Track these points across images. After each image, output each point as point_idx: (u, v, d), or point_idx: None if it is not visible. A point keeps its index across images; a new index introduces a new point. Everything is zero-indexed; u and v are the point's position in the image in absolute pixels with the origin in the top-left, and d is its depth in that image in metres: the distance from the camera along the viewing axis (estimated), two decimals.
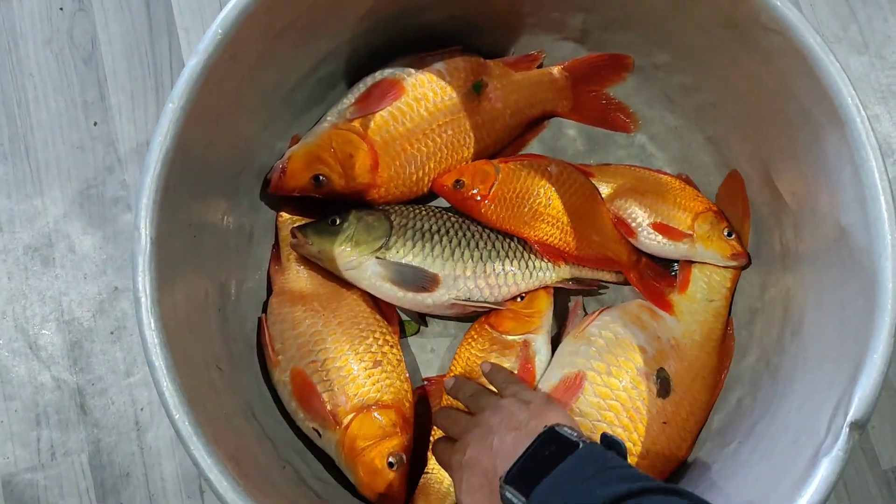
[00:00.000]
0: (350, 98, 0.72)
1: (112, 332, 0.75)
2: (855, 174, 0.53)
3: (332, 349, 0.66)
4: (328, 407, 0.64)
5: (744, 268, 0.71)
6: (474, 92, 0.72)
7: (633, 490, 0.45)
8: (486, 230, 0.71)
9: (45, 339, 0.75)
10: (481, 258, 0.69)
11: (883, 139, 0.77)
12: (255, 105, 0.65)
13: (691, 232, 0.70)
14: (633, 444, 0.63)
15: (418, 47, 0.73)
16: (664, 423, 0.64)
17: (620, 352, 0.66)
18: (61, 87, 0.79)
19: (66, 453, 0.73)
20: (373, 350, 0.67)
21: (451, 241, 0.69)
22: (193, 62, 0.55)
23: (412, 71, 0.72)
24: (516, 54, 0.77)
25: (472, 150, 0.73)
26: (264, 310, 0.70)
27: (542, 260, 0.71)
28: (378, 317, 0.70)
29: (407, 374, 0.69)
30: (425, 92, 0.71)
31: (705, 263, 0.71)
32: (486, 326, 0.71)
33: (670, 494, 0.45)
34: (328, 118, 0.72)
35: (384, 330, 0.69)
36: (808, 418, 0.54)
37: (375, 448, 0.63)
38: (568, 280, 0.72)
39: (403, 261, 0.68)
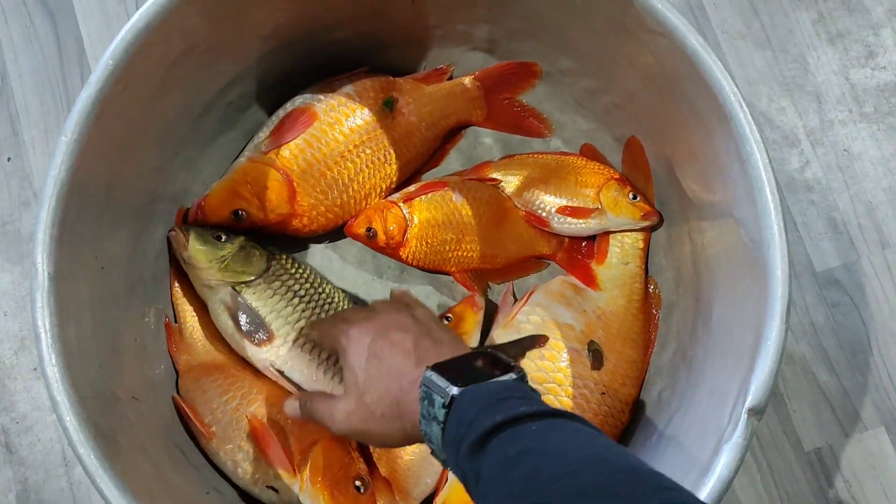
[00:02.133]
0: (265, 131, 0.72)
1: (35, 369, 0.74)
2: (742, 168, 0.55)
3: (269, 403, 0.66)
4: (285, 452, 0.63)
5: (657, 226, 0.73)
6: (386, 109, 0.73)
7: (544, 411, 0.44)
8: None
9: None
10: (318, 346, 0.67)
11: (790, 130, 0.79)
12: (161, 133, 0.65)
13: (598, 206, 0.72)
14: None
15: (329, 66, 0.74)
16: (603, 393, 0.66)
17: (549, 333, 0.67)
18: None
19: None
20: None
21: (304, 311, 0.67)
22: (85, 95, 0.55)
23: (322, 97, 0.72)
24: (427, 68, 0.77)
25: (394, 166, 0.74)
26: (177, 390, 0.68)
27: None
28: None
29: None
30: (337, 116, 0.71)
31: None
32: None
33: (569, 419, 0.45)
34: (245, 153, 0.72)
35: None
36: (715, 408, 0.55)
37: (340, 476, 0.63)
38: None
39: (254, 305, 0.67)
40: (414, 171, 0.77)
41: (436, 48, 0.76)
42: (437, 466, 0.68)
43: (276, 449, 0.64)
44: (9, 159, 0.78)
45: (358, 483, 0.64)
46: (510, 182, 0.75)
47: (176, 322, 0.70)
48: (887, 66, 0.80)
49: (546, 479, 0.39)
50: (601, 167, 0.74)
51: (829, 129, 0.79)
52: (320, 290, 0.70)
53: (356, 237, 0.71)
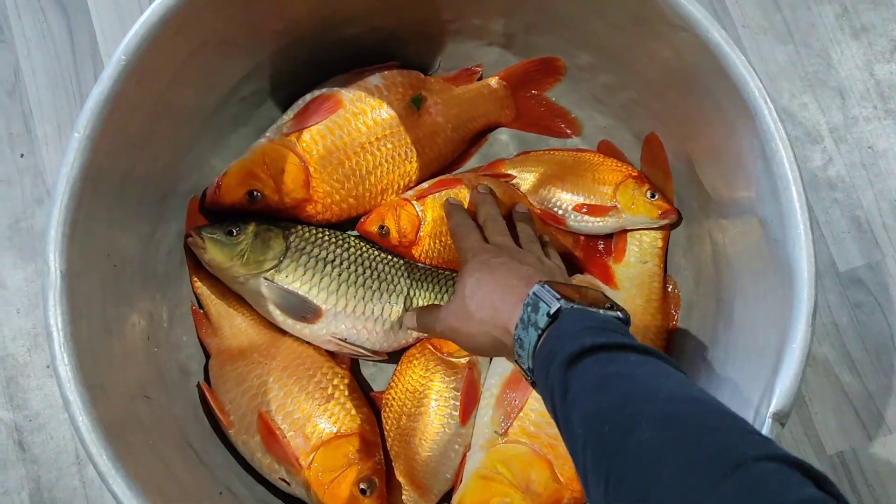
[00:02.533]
0: (289, 114, 0.71)
1: (48, 367, 0.74)
2: (767, 167, 0.53)
3: (282, 395, 0.65)
4: (290, 450, 0.63)
5: (675, 225, 0.72)
6: (413, 106, 0.72)
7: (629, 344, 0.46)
8: (391, 267, 0.70)
9: None
10: (369, 298, 0.68)
11: (812, 127, 0.78)
12: (174, 129, 0.65)
13: (615, 204, 0.71)
14: None
15: (343, 62, 0.73)
16: None
17: None
18: None
19: (5, 492, 0.71)
20: (322, 385, 0.67)
21: (340, 275, 0.68)
22: (97, 91, 0.54)
23: (349, 86, 0.71)
24: (443, 63, 0.76)
25: (414, 165, 0.73)
26: (205, 377, 0.69)
27: None
28: (322, 352, 0.69)
29: (364, 400, 0.69)
30: (363, 106, 0.70)
31: (633, 233, 0.72)
32: (430, 346, 0.70)
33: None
34: (266, 134, 0.71)
35: (330, 364, 0.69)
36: (738, 410, 0.54)
37: (343, 478, 0.63)
38: None
39: (291, 287, 0.66)
40: (435, 172, 0.75)
41: (451, 43, 0.75)
42: (454, 461, 0.67)
43: (280, 447, 0.63)
44: (22, 156, 0.77)
45: (363, 486, 0.63)
46: (526, 179, 0.74)
47: (201, 309, 0.71)
48: None
49: (639, 399, 0.41)
50: (619, 164, 0.73)
51: (853, 125, 0.78)
52: (345, 245, 0.70)
53: (368, 235, 0.70)
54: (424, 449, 0.68)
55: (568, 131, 0.76)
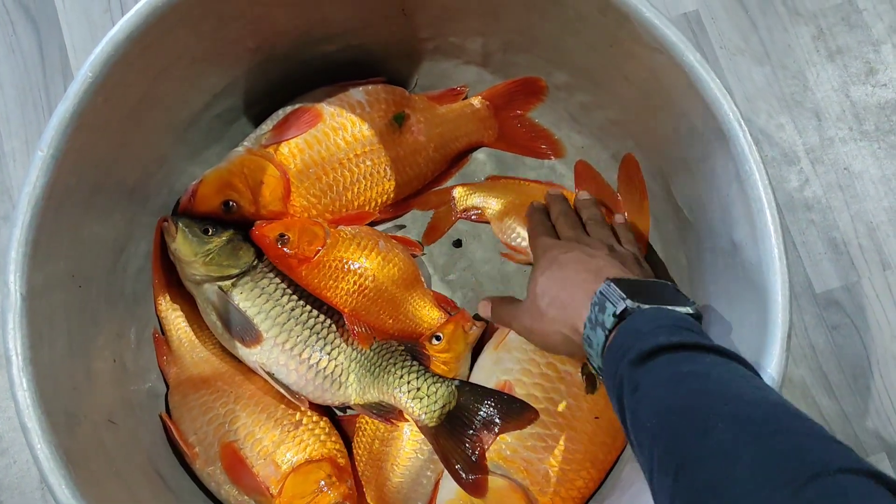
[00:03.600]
0: (268, 124, 0.70)
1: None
2: (741, 189, 0.53)
3: (250, 422, 0.64)
4: (260, 479, 0.62)
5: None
6: (395, 123, 0.71)
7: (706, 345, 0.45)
8: (340, 320, 0.68)
9: None
10: (312, 344, 0.65)
11: (789, 147, 0.78)
12: (144, 146, 0.63)
13: None
14: (570, 441, 0.63)
15: (319, 78, 0.72)
16: (596, 417, 0.64)
17: (541, 357, 0.65)
18: None
19: None
20: (290, 412, 0.65)
21: (293, 310, 0.66)
22: (62, 108, 0.53)
23: (331, 99, 0.70)
24: (420, 81, 0.76)
25: (393, 183, 0.72)
26: (167, 408, 0.67)
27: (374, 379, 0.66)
28: None
29: (332, 425, 0.67)
30: (343, 121, 0.69)
31: None
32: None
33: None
34: (244, 143, 0.70)
35: None
36: None
37: (315, 503, 0.61)
38: (372, 407, 0.66)
39: (241, 304, 0.65)
40: (414, 190, 0.75)
41: (428, 61, 0.74)
42: (426, 488, 0.66)
43: (250, 476, 0.62)
44: None
45: None
46: (491, 206, 0.73)
47: (163, 334, 0.68)
48: (888, 83, 0.79)
49: (716, 398, 0.40)
50: None
51: (830, 146, 0.78)
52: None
53: (261, 239, 0.65)
54: (396, 475, 0.66)
55: (549, 153, 0.75)
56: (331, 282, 0.65)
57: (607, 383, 0.49)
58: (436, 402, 0.63)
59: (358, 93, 0.70)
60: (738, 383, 0.42)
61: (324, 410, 0.68)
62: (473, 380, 0.68)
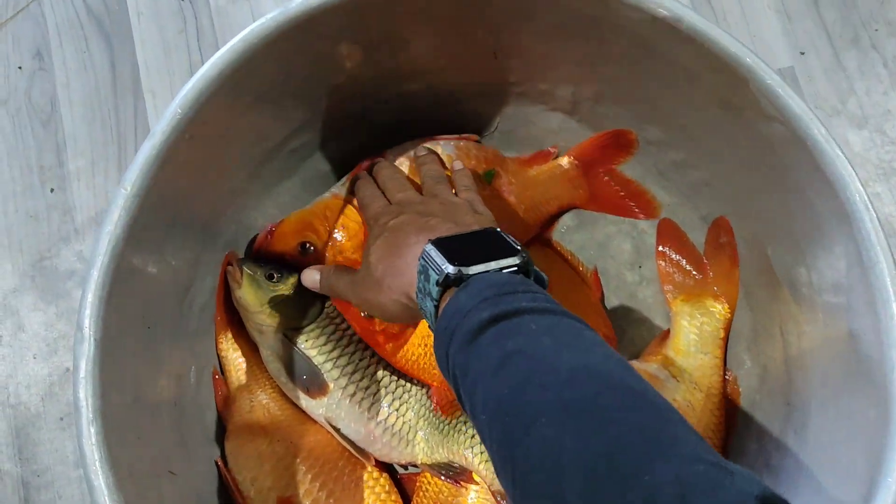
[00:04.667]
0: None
1: (62, 419, 0.69)
2: (864, 276, 0.49)
3: (310, 478, 0.61)
4: None
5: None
6: (485, 180, 0.68)
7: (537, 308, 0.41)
8: (413, 383, 0.65)
9: None
10: (381, 397, 0.63)
11: (885, 218, 0.74)
12: (219, 182, 0.61)
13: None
14: None
15: (396, 116, 0.69)
16: None
17: None
18: (16, 151, 0.74)
19: None
20: (350, 469, 0.63)
21: (360, 361, 0.63)
22: (149, 145, 0.50)
23: (423, 148, 0.67)
24: (501, 125, 0.73)
25: None
26: (221, 454, 0.64)
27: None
28: None
29: (393, 484, 0.64)
30: None
31: (693, 319, 0.67)
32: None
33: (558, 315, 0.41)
34: (332, 189, 0.67)
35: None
36: None
37: None
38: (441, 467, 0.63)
39: (309, 352, 0.62)
40: None
41: (512, 105, 0.71)
42: None
43: None
44: (52, 190, 0.74)
45: None
46: None
47: (222, 374, 0.66)
48: None
49: (539, 384, 0.37)
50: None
51: None
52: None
53: (347, 311, 0.63)
54: None
55: (642, 213, 0.72)
56: (419, 357, 0.62)
57: (441, 364, 0.45)
58: None
59: (448, 146, 0.67)
60: (564, 353, 0.38)
61: (384, 466, 0.65)
62: None
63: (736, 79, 0.53)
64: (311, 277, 0.60)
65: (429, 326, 0.48)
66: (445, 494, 0.64)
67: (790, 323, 0.60)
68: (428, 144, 0.67)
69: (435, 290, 0.45)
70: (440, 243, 0.47)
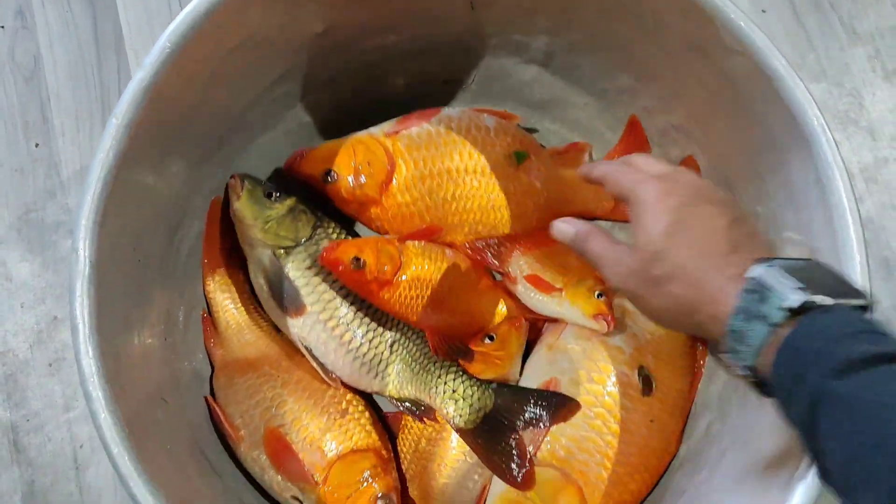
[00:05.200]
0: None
1: (50, 365, 0.70)
2: (822, 196, 0.52)
3: (297, 408, 0.63)
4: (305, 466, 0.61)
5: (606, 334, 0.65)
6: (515, 159, 0.69)
7: None
8: (392, 320, 0.67)
9: None
10: (355, 327, 0.65)
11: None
12: (206, 125, 0.63)
13: (561, 287, 0.67)
14: (624, 444, 0.62)
15: (378, 69, 0.72)
16: (651, 420, 0.63)
17: (598, 356, 0.64)
18: (0, 108, 0.75)
19: None
20: (336, 400, 0.64)
21: (339, 290, 0.65)
22: (140, 76, 0.52)
23: (462, 113, 0.69)
24: (478, 78, 0.75)
25: (493, 214, 0.69)
26: (211, 391, 0.66)
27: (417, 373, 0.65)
28: None
29: (377, 418, 0.66)
30: (465, 135, 0.68)
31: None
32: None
33: None
34: (371, 129, 0.69)
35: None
36: (782, 445, 0.53)
37: (360, 494, 0.60)
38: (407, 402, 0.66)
39: (291, 274, 0.64)
40: (508, 233, 0.70)
41: (488, 57, 0.74)
42: (473, 492, 0.65)
43: (294, 462, 0.61)
44: (37, 145, 0.75)
45: (381, 502, 0.61)
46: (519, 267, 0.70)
47: (210, 316, 0.68)
48: None
49: None
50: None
51: (883, 166, 0.78)
52: None
53: (334, 265, 0.62)
54: (442, 475, 0.65)
55: None
56: (410, 301, 0.64)
57: (781, 389, 0.42)
58: (471, 405, 0.62)
59: (490, 119, 0.69)
60: None
61: (368, 405, 0.67)
62: (525, 378, 0.67)
63: (703, 19, 0.56)
64: (565, 229, 0.54)
65: (728, 353, 0.44)
66: (430, 431, 0.66)
67: None
68: (470, 114, 0.69)
69: (778, 316, 0.41)
70: (777, 263, 0.44)
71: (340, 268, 0.62)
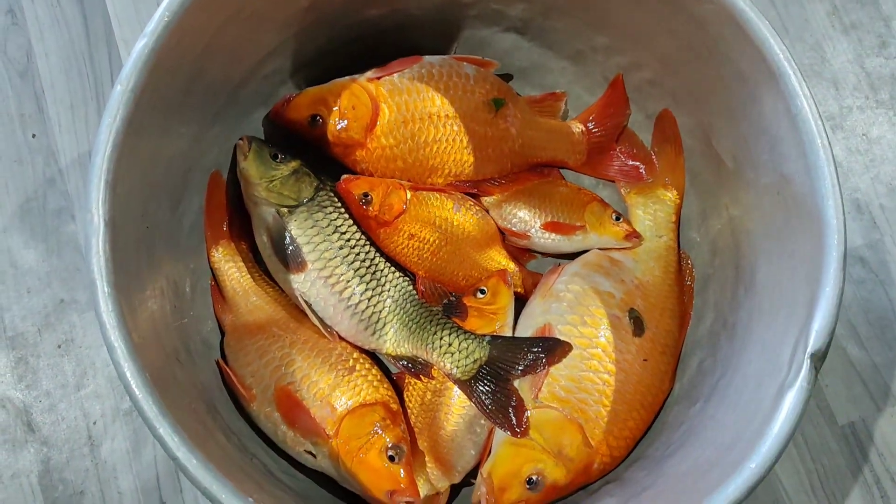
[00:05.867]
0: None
1: (59, 346, 0.72)
2: (792, 124, 0.56)
3: (306, 366, 0.65)
4: (316, 421, 0.63)
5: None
6: (493, 105, 0.73)
7: None
8: (389, 279, 0.70)
9: None
10: (354, 284, 0.68)
11: None
12: (203, 99, 0.65)
13: (582, 224, 0.73)
14: (620, 383, 0.65)
15: (362, 45, 0.74)
16: (645, 359, 0.66)
17: (590, 301, 0.67)
18: None
19: (13, 475, 0.69)
20: (343, 358, 0.67)
21: (341, 249, 0.68)
22: (141, 44, 0.54)
23: (443, 60, 0.73)
24: (459, 50, 0.78)
25: (471, 158, 0.73)
26: (222, 355, 0.68)
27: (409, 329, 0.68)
28: None
29: (383, 374, 0.69)
30: (446, 82, 0.72)
31: (647, 207, 0.74)
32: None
33: None
34: (354, 75, 0.72)
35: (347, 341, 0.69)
36: (770, 363, 0.56)
37: (371, 445, 0.62)
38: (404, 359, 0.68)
39: (293, 232, 0.67)
40: (487, 177, 0.75)
41: (468, 28, 0.77)
42: (480, 436, 0.67)
43: (307, 417, 0.63)
44: (34, 136, 0.77)
45: (391, 452, 0.63)
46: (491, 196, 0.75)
47: (217, 284, 0.70)
48: None
49: None
50: (581, 188, 0.76)
51: (848, 114, 0.82)
52: (360, 236, 0.70)
53: (347, 194, 0.69)
54: (450, 423, 0.67)
55: (646, 172, 0.76)
56: (406, 248, 0.69)
57: None
58: (467, 357, 0.64)
59: (469, 67, 0.73)
60: None
61: (374, 363, 0.69)
62: (521, 327, 0.70)
63: None
64: None
65: None
66: (434, 383, 0.69)
67: (733, 193, 0.67)
68: (450, 62, 0.72)
69: None
70: None
71: (350, 197, 0.68)
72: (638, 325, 0.67)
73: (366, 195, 0.68)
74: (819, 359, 0.52)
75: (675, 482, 0.58)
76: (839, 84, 0.82)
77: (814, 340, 0.51)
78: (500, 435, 0.65)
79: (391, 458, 0.63)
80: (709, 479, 0.53)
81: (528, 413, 0.62)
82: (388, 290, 0.69)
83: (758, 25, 0.57)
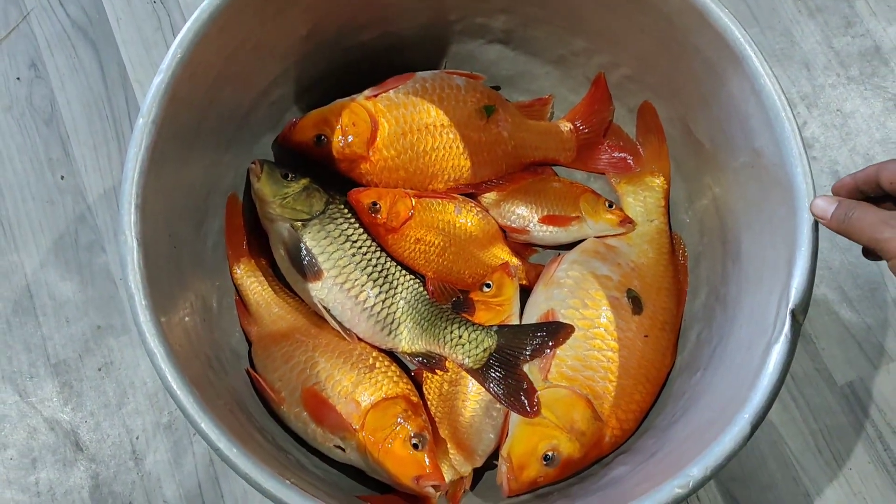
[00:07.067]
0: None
1: (100, 369, 0.77)
2: (758, 101, 0.60)
3: (329, 367, 0.70)
4: (343, 417, 0.68)
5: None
6: (484, 112, 0.78)
7: None
8: (401, 283, 0.74)
9: (33, 385, 0.77)
10: (369, 288, 0.72)
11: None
12: (216, 127, 0.70)
13: (578, 214, 0.78)
14: (624, 359, 0.69)
15: (358, 69, 0.80)
16: (645, 336, 0.71)
17: (589, 285, 0.72)
18: (25, 148, 0.83)
19: (66, 492, 0.74)
20: (363, 358, 0.72)
21: (353, 256, 0.73)
22: (158, 79, 0.60)
23: (434, 75, 0.78)
24: (448, 65, 0.84)
25: (468, 163, 0.78)
26: (251, 364, 0.73)
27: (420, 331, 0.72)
28: None
29: (402, 371, 0.73)
30: (440, 94, 0.77)
31: (637, 195, 0.79)
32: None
33: None
34: (353, 95, 0.77)
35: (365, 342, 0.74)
36: (758, 325, 0.60)
37: (396, 435, 0.67)
38: (419, 356, 0.72)
39: (308, 244, 0.72)
40: (483, 179, 0.80)
41: (455, 44, 0.82)
42: (497, 420, 0.71)
43: (333, 414, 0.67)
44: (62, 177, 0.83)
45: (415, 441, 0.67)
46: (488, 195, 0.80)
47: (241, 299, 0.75)
48: (865, 33, 0.88)
49: None
50: (573, 182, 0.82)
51: (821, 92, 0.86)
52: (371, 244, 0.75)
53: (357, 203, 0.75)
54: (468, 409, 0.72)
55: (634, 162, 0.81)
56: (414, 251, 0.75)
57: None
58: (477, 347, 0.68)
59: (459, 79, 0.78)
60: None
61: (392, 359, 0.74)
62: (527, 315, 0.74)
63: None
64: (823, 207, 0.55)
65: None
66: (450, 375, 0.73)
67: (714, 173, 0.71)
68: (442, 76, 0.78)
69: None
70: None
71: (360, 206, 0.74)
72: (636, 304, 0.71)
73: (374, 204, 0.74)
74: (801, 312, 0.56)
75: (679, 444, 0.61)
76: (811, 65, 0.87)
77: (794, 296, 0.56)
78: (516, 416, 0.69)
79: (415, 446, 0.67)
80: (708, 435, 0.57)
81: (539, 394, 0.66)
82: (401, 292, 0.74)
83: (719, 14, 0.62)
